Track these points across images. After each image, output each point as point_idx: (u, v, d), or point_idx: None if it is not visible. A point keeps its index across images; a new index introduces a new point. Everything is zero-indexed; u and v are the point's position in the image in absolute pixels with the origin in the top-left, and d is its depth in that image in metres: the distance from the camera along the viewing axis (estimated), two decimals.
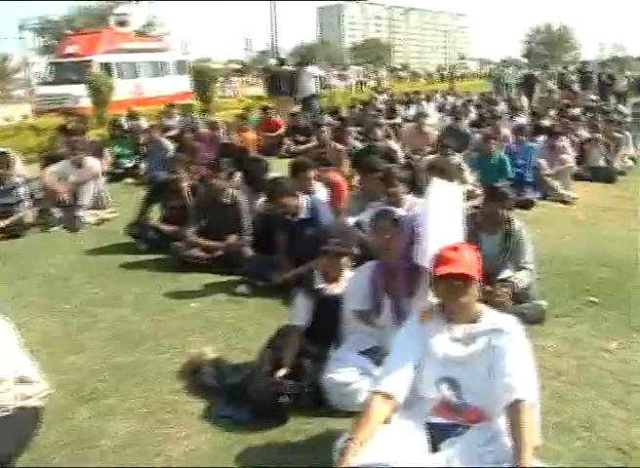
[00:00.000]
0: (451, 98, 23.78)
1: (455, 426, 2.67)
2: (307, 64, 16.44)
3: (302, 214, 5.13)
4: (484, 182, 8.09)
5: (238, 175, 6.79)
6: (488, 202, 4.65)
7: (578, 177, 9.40)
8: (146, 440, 3.24)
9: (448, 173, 6.60)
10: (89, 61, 21.65)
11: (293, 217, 5.16)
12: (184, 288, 5.52)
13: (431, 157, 8.07)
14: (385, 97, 23.30)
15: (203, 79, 21.67)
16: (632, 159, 10.92)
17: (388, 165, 5.37)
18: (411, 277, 3.41)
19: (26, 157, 12.49)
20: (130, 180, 10.18)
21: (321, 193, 5.96)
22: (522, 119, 13.69)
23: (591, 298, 4.93)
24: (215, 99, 23.43)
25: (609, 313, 4.67)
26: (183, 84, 25.10)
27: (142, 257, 6.34)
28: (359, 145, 9.57)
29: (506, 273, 4.79)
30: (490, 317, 2.74)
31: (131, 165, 10.72)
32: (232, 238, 5.79)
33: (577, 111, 15.37)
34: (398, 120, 16.38)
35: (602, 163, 10.05)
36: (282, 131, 13.26)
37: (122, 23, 26.08)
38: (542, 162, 8.64)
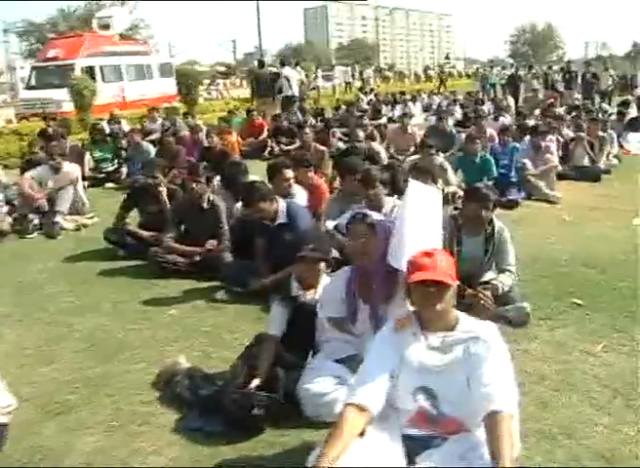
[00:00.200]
0: (437, 98, 23.81)
1: (432, 438, 2.57)
2: (285, 66, 16.29)
3: (281, 219, 5.02)
4: (468, 183, 8.05)
5: (217, 180, 6.67)
6: (468, 203, 4.56)
7: (562, 177, 9.35)
8: (114, 455, 3.12)
9: (430, 173, 6.56)
10: (71, 65, 21.41)
11: (271, 222, 5.05)
12: (163, 294, 5.41)
13: (414, 157, 7.98)
14: (371, 97, 23.24)
15: (187, 82, 21.49)
16: (617, 158, 10.90)
17: (368, 166, 5.26)
18: (388, 282, 3.31)
19: (7, 162, 12.40)
20: (111, 185, 10.04)
21: (300, 196, 5.86)
22: (507, 119, 13.68)
23: (576, 300, 4.85)
24: (199, 102, 23.32)
25: (593, 315, 4.59)
26: (168, 87, 24.89)
27: (121, 264, 6.22)
28: (343, 147, 9.49)
29: (489, 275, 4.72)
30: (467, 324, 2.64)
31: (112, 169, 10.57)
32: (211, 243, 5.68)
33: (561, 110, 15.37)
34: (383, 120, 16.35)
35: (587, 162, 10.00)
36: (265, 133, 13.14)
37: (105, 26, 25.86)
38: (527, 162, 8.57)
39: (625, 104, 14.89)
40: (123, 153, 10.74)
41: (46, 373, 4.05)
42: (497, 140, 9.54)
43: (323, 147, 9.18)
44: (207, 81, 32.66)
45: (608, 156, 10.48)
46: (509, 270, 4.56)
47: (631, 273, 5.35)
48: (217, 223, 5.75)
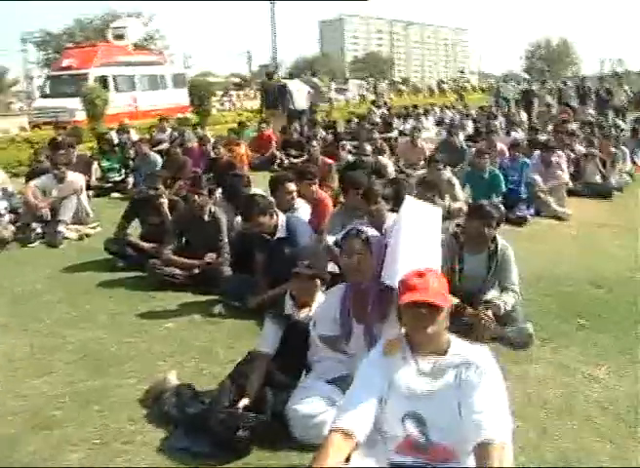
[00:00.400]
0: (450, 112, 23.71)
1: (420, 466, 2.46)
2: (293, 78, 16.27)
3: (280, 233, 4.94)
4: (475, 198, 7.94)
5: (219, 192, 6.60)
6: (471, 220, 4.45)
7: (573, 193, 9.21)
8: None
9: (437, 188, 6.46)
10: (85, 75, 21.58)
11: (271, 236, 4.97)
12: (160, 307, 5.33)
13: (422, 172, 7.89)
14: (383, 110, 23.18)
15: (200, 92, 21.53)
16: (629, 175, 10.75)
17: (370, 181, 5.17)
18: (383, 301, 3.21)
19: (17, 170, 12.41)
20: (117, 195, 9.99)
21: (303, 210, 5.77)
22: (519, 134, 13.56)
23: (581, 321, 4.72)
24: (212, 113, 23.35)
25: (598, 336, 4.46)
26: (181, 97, 24.96)
27: (120, 275, 6.15)
28: (352, 160, 9.41)
29: (491, 294, 4.60)
30: (459, 348, 2.54)
31: (119, 179, 10.55)
32: (210, 256, 5.61)
33: (574, 126, 15.23)
34: (394, 134, 16.26)
35: (598, 179, 9.87)
36: (273, 146, 13.10)
37: (119, 37, 26.05)
38: (537, 178, 8.45)
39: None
40: (131, 163, 10.71)
41: (36, 386, 3.97)
42: (507, 155, 9.44)
43: (330, 160, 9.09)
44: (220, 92, 32.74)
45: (620, 173, 10.34)
46: (512, 289, 4.45)
47: (638, 293, 5.21)
48: (217, 236, 5.68)
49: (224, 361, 4.17)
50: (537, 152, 9.08)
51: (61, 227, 7.56)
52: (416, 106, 24.26)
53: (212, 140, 10.93)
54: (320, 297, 3.55)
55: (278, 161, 12.59)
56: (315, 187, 6.28)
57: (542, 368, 3.98)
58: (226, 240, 5.69)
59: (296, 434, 3.18)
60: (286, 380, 3.45)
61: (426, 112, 23.54)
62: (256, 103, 32.15)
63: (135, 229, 6.71)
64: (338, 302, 3.32)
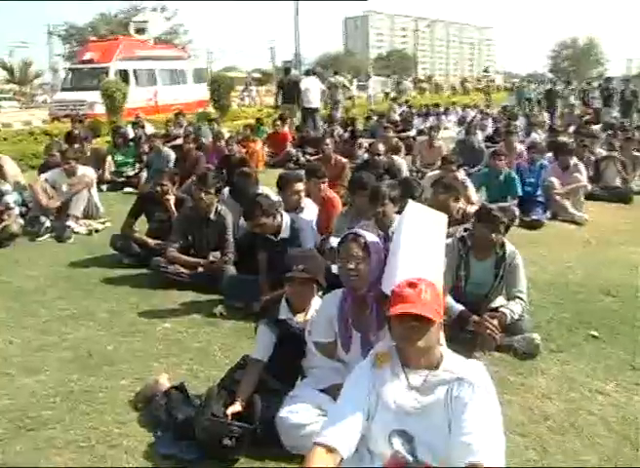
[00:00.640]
0: (471, 112, 23.43)
1: None
2: (309, 76, 16.10)
3: (284, 234, 4.83)
4: (490, 200, 7.77)
5: (227, 190, 6.51)
6: (478, 225, 4.30)
7: (592, 197, 8.98)
8: None
9: (455, 189, 6.27)
10: (105, 68, 21.64)
11: (274, 237, 4.86)
12: (161, 306, 5.25)
13: (435, 173, 7.72)
14: (404, 108, 22.96)
15: (220, 87, 21.46)
16: None
17: (377, 182, 5.03)
18: (382, 308, 3.08)
19: (34, 163, 12.42)
20: (129, 190, 9.93)
21: (310, 210, 5.66)
22: (539, 135, 13.33)
23: (592, 332, 4.54)
24: (232, 108, 23.30)
25: (609, 349, 4.28)
26: (202, 92, 24.92)
27: (124, 272, 6.08)
28: (365, 159, 9.26)
29: (498, 301, 4.46)
30: (452, 363, 2.40)
31: (132, 174, 10.51)
32: (214, 255, 5.52)
33: (597, 128, 14.93)
34: (412, 133, 16.06)
35: (618, 182, 9.62)
36: (288, 143, 13.00)
37: (141, 31, 26.10)
38: (554, 180, 8.24)
39: None
40: (144, 158, 10.66)
41: (27, 385, 3.90)
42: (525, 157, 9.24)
43: (344, 159, 8.96)
44: (241, 87, 32.69)
45: None
46: (520, 297, 4.29)
47: None
48: (222, 235, 5.58)
49: (220, 363, 4.07)
50: (548, 154, 8.87)
51: (71, 222, 7.51)
52: (437, 105, 24.03)
53: (226, 136, 10.81)
54: (316, 302, 3.42)
55: (294, 158, 12.48)
56: (324, 186, 6.16)
57: (548, 381, 3.82)
58: (232, 239, 5.59)
59: (285, 443, 3.07)
60: (280, 387, 3.34)
61: (447, 111, 23.33)
62: None
63: (143, 225, 6.64)
64: (335, 309, 3.20)
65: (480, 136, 14.07)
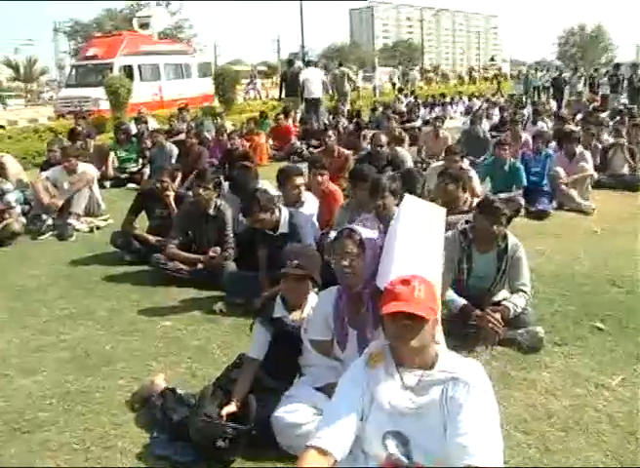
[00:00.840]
0: (478, 101, 23.25)
1: None
2: (309, 67, 15.96)
3: (282, 229, 4.76)
4: (495, 191, 7.67)
5: (227, 185, 6.44)
6: (480, 217, 4.21)
7: (599, 185, 8.86)
8: None
9: (461, 180, 6.17)
10: (109, 64, 21.59)
11: (273, 232, 4.80)
12: (161, 303, 5.20)
13: (438, 163, 7.63)
14: (410, 99, 22.81)
15: (224, 81, 21.35)
16: None
17: (377, 174, 4.94)
18: (378, 305, 3.00)
19: (39, 160, 12.39)
20: (133, 186, 9.88)
21: (310, 204, 5.59)
22: (546, 123, 13.17)
23: (597, 324, 4.45)
24: (237, 102, 23.20)
25: (615, 342, 4.18)
26: (207, 86, 24.83)
27: (125, 269, 6.05)
28: (367, 151, 9.15)
29: (501, 295, 4.38)
30: (448, 363, 2.33)
31: (135, 169, 10.47)
32: (214, 250, 5.45)
33: (605, 115, 14.75)
34: (417, 123, 15.95)
35: (626, 170, 9.47)
36: (292, 136, 12.92)
37: (144, 26, 26.01)
38: (559, 170, 8.11)
39: None
40: (147, 153, 10.61)
41: (24, 386, 3.87)
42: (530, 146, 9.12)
43: (348, 151, 8.87)
44: (246, 80, 32.55)
45: None
46: (523, 290, 4.20)
47: None
48: (222, 231, 5.52)
49: (219, 362, 4.02)
50: (552, 143, 8.73)
51: (72, 219, 7.48)
52: (443, 95, 23.87)
53: (229, 131, 10.74)
54: (313, 299, 3.35)
55: (299, 151, 12.40)
56: (325, 179, 6.08)
57: (551, 375, 3.73)
58: (232, 235, 5.53)
59: (281, 443, 3.01)
60: (276, 385, 3.28)
61: (453, 101, 23.17)
62: None
63: (145, 222, 6.59)
64: (330, 306, 3.13)
65: (486, 125, 13.94)
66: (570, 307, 4.79)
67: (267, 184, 6.05)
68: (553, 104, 20.34)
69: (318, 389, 3.09)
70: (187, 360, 4.14)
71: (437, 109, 20.80)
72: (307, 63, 16.76)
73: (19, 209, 7.51)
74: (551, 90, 23.34)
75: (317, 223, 5.51)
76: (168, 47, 26.71)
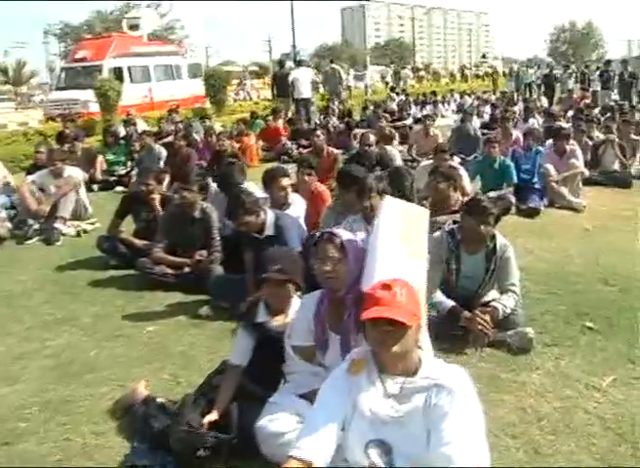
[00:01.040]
0: (469, 99, 23.24)
1: None
2: (300, 67, 15.91)
3: (268, 231, 4.69)
4: (485, 189, 7.62)
5: (214, 186, 6.36)
6: (467, 217, 4.14)
7: (590, 182, 8.81)
8: None
9: (452, 178, 6.12)
10: (99, 66, 21.44)
11: (259, 234, 4.72)
12: (146, 308, 5.13)
13: (427, 162, 7.56)
14: (402, 97, 22.76)
15: (215, 82, 21.25)
16: None
17: (364, 174, 4.86)
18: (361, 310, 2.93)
19: (27, 164, 12.27)
20: (121, 189, 9.77)
21: (297, 206, 5.52)
22: (537, 120, 13.13)
23: (588, 324, 4.39)
24: (228, 103, 23.09)
25: (606, 341, 4.12)
26: (198, 87, 24.70)
27: (111, 273, 5.97)
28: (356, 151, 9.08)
29: (490, 295, 4.32)
30: (431, 369, 2.27)
31: (123, 172, 10.37)
32: (200, 254, 5.38)
33: (595, 111, 14.74)
34: (408, 121, 15.90)
35: (617, 167, 9.43)
36: (282, 137, 12.86)
37: (134, 27, 25.85)
38: (549, 167, 8.06)
39: None
40: (136, 156, 10.51)
41: (4, 395, 3.79)
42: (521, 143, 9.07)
43: (337, 151, 8.81)
44: (237, 81, 32.45)
45: None
46: (512, 290, 4.15)
47: None
48: (208, 234, 5.44)
49: (204, 368, 3.92)
50: (549, 141, 8.68)
51: (59, 223, 7.39)
52: (435, 93, 23.82)
53: (217, 132, 10.66)
54: (296, 303, 3.28)
55: (288, 151, 12.33)
56: (312, 179, 6.01)
57: (541, 377, 3.67)
58: (218, 238, 5.46)
59: (264, 452, 2.93)
60: (261, 392, 3.21)
61: (445, 99, 23.13)
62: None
63: (131, 225, 6.51)
64: (312, 311, 3.06)
65: (477, 122, 13.90)
66: (561, 307, 4.73)
67: (254, 186, 5.98)
68: (545, 101, 20.31)
69: (302, 396, 3.02)
70: (172, 366, 4.07)
71: (428, 107, 20.76)
72: (299, 63, 16.66)
73: (4, 213, 7.44)
74: (543, 87, 23.29)
75: (304, 225, 5.43)
76: (158, 48, 26.53)
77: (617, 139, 9.64)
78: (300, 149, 12.13)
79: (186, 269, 5.45)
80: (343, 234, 2.98)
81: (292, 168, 6.82)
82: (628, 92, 18.87)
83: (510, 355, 3.94)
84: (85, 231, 7.52)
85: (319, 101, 17.85)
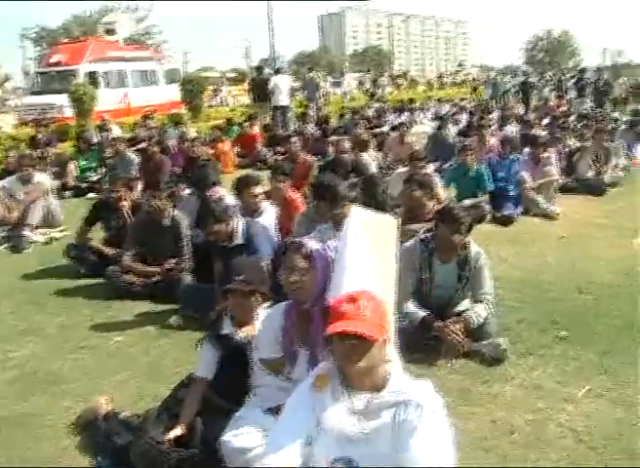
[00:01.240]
0: (446, 106, 23.32)
1: None
2: (278, 74, 15.86)
3: (238, 240, 4.61)
4: (460, 197, 7.60)
5: (187, 192, 6.27)
6: (440, 225, 4.09)
7: (565, 190, 8.84)
8: None
9: (429, 187, 6.09)
10: (73, 71, 21.20)
11: (228, 242, 4.63)
12: (114, 318, 5.02)
13: (402, 170, 7.52)
14: (381, 104, 22.78)
15: (191, 88, 21.10)
16: (627, 169, 10.28)
17: (335, 183, 4.78)
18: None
19: None
20: (92, 195, 9.61)
21: (269, 213, 5.43)
22: (512, 128, 13.17)
23: (562, 333, 4.35)
24: (205, 109, 22.93)
25: (580, 351, 4.08)
26: (175, 93, 24.50)
27: (79, 282, 5.84)
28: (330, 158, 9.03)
29: (464, 305, 4.26)
30: (399, 384, 2.20)
31: (95, 179, 10.20)
32: (170, 262, 5.27)
33: (571, 119, 14.84)
34: (385, 128, 15.88)
35: (591, 174, 9.46)
36: (258, 144, 12.78)
37: (110, 32, 25.63)
38: (524, 175, 8.07)
39: (637, 114, 14.27)
40: (108, 162, 10.36)
41: None
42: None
43: (311, 158, 8.74)
44: (213, 87, 32.27)
45: (615, 168, 9.87)
46: (486, 299, 4.10)
47: (628, 301, 4.84)
48: (177, 242, 5.34)
49: (171, 380, 3.81)
50: (526, 149, 8.69)
51: (27, 231, 7.23)
52: (412, 100, 23.87)
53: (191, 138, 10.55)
54: (263, 314, 3.20)
55: (263, 158, 12.25)
56: (285, 186, 5.94)
57: (514, 389, 3.62)
58: (188, 246, 5.35)
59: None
60: (226, 405, 3.12)
61: (422, 106, 23.19)
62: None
63: (101, 233, 6.38)
64: (278, 324, 2.97)
65: (453, 130, 13.92)
66: (535, 315, 4.69)
67: (224, 192, 5.89)
68: (521, 109, 20.44)
69: (269, 410, 2.93)
70: (138, 378, 3.97)
71: (405, 114, 20.79)
72: (277, 71, 16.58)
73: None
74: (519, 94, 23.45)
75: (277, 233, 5.35)
76: (134, 53, 26.30)
77: (591, 147, 9.67)
78: (276, 156, 12.05)
79: (156, 277, 5.33)
80: (312, 244, 2.90)
81: (267, 174, 6.74)
82: (602, 100, 19.06)
83: (483, 366, 3.89)
84: (55, 239, 7.37)
85: (297, 108, 17.79)
